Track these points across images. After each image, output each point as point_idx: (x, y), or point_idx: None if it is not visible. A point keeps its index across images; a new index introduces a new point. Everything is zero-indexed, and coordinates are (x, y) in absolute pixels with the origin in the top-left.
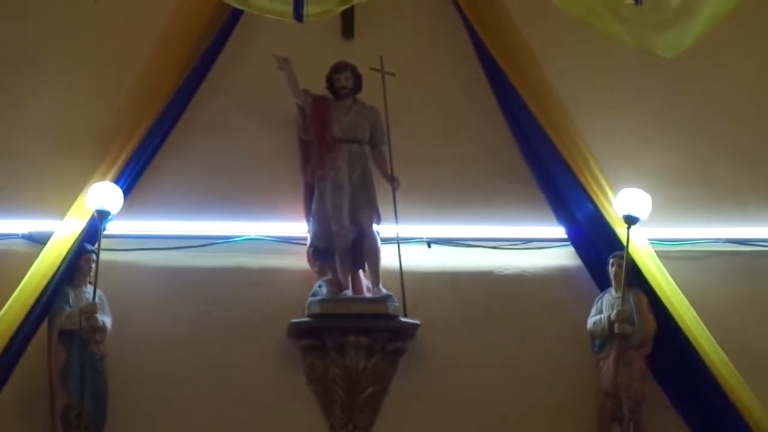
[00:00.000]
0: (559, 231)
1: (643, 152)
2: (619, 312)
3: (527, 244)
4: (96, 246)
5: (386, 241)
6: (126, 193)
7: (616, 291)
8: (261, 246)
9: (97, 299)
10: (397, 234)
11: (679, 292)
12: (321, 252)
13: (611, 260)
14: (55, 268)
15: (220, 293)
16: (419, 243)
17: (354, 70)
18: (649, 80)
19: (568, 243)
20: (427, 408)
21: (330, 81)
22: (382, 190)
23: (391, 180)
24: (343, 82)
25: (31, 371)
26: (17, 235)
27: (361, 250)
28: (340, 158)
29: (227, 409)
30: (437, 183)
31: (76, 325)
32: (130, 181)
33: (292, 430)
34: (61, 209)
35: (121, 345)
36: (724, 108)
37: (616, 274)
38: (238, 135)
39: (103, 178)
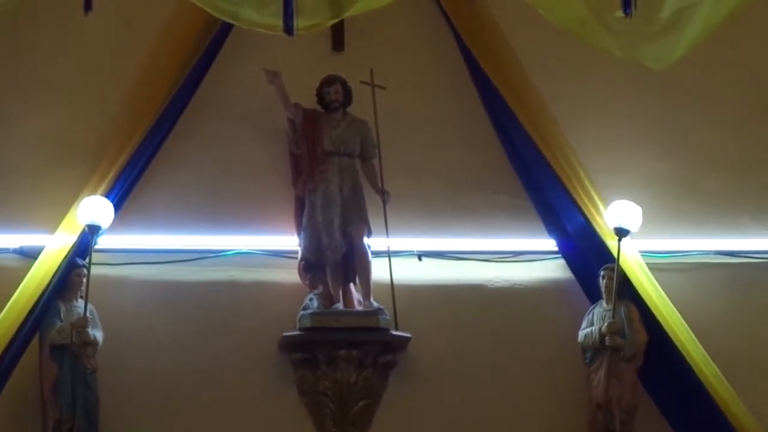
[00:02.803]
0: (550, 243)
1: (633, 164)
2: (610, 324)
3: (518, 256)
4: (87, 260)
5: (377, 254)
6: (117, 207)
7: (607, 303)
8: (252, 259)
9: (88, 314)
10: (388, 247)
11: (670, 304)
12: (312, 265)
13: (602, 272)
14: (46, 282)
15: (211, 307)
16: (410, 256)
17: (344, 84)
18: (640, 92)
19: (559, 255)
20: (418, 421)
21: (320, 94)
22: (372, 204)
23: (382, 193)
24: (333, 95)
25: (23, 386)
26: (8, 249)
27: (352, 264)
28: (330, 171)
29: (219, 422)
30: (428, 196)
31: (68, 340)
32: (121, 195)
33: None
34: (52, 223)
35: (113, 359)
36: (714, 120)
37: (607, 287)
38: (229, 149)
39: (93, 192)
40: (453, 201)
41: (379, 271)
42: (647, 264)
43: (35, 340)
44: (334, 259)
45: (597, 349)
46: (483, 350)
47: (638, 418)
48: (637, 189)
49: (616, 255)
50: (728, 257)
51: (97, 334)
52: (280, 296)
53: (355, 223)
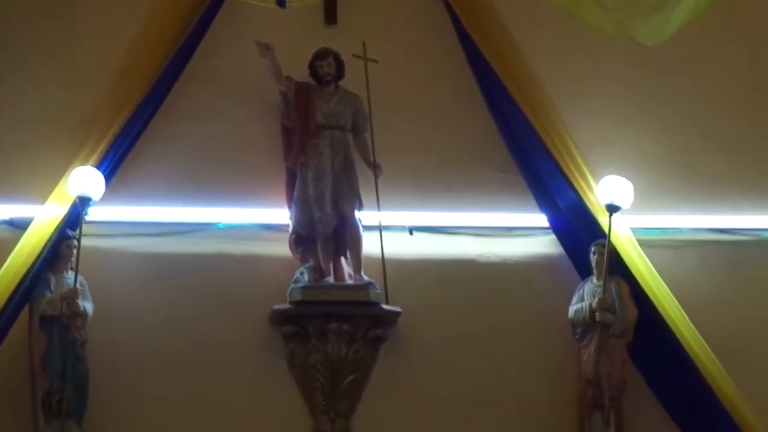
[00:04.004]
0: (542, 219)
1: (625, 141)
2: (600, 300)
3: (509, 232)
4: (77, 232)
5: (368, 228)
6: (108, 179)
7: (598, 279)
8: (243, 232)
9: (78, 285)
10: (379, 221)
11: (661, 280)
12: (303, 239)
13: (593, 248)
14: (36, 253)
15: (201, 280)
16: (401, 230)
17: (337, 57)
18: (632, 69)
19: (550, 231)
20: (408, 395)
21: (312, 68)
22: (364, 177)
23: (374, 167)
24: (326, 68)
25: (12, 357)
26: None
27: (343, 237)
28: (322, 145)
29: (208, 395)
30: (419, 170)
31: (57, 311)
32: (111, 167)
33: (274, 417)
34: (42, 195)
35: (103, 331)
36: (707, 97)
37: (597, 263)
38: (221, 121)
39: (84, 163)
40: (445, 176)
41: (370, 245)
42: (638, 240)
43: (25, 311)
44: (325, 233)
45: (587, 324)
46: (473, 325)
47: (628, 393)
48: (629, 165)
49: (607, 231)
50: (719, 234)
51: (87, 305)
52: (271, 269)
53: (347, 196)
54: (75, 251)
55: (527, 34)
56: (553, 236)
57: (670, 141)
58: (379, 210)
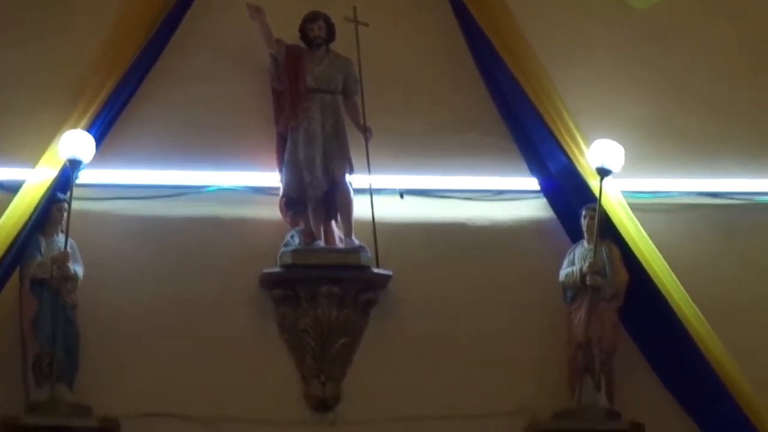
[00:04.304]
0: (532, 182)
1: (616, 104)
2: (591, 264)
3: (500, 195)
4: (68, 195)
5: (359, 191)
6: (98, 142)
7: (589, 243)
8: (233, 195)
9: (68, 248)
10: (370, 184)
11: (652, 244)
12: (293, 202)
13: (584, 212)
14: (26, 216)
15: (192, 243)
16: (392, 194)
17: (327, 20)
18: (623, 33)
19: (541, 194)
20: (398, 358)
21: (303, 31)
22: (354, 141)
23: (364, 130)
24: (317, 31)
25: (2, 320)
26: None
27: (334, 201)
28: (312, 108)
29: (199, 359)
30: (410, 134)
31: (48, 274)
32: (102, 130)
33: (265, 381)
34: (32, 157)
35: (93, 294)
36: (698, 61)
37: (588, 226)
38: (211, 84)
39: (75, 126)
40: (435, 139)
41: (360, 208)
42: (629, 204)
43: (15, 274)
44: (316, 196)
45: (578, 288)
46: (464, 289)
47: (618, 357)
48: (620, 129)
49: (598, 195)
50: (710, 198)
51: (78, 268)
52: (261, 233)
53: (337, 160)
54: (65, 214)
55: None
56: (544, 200)
57: (662, 105)
58: (369, 173)
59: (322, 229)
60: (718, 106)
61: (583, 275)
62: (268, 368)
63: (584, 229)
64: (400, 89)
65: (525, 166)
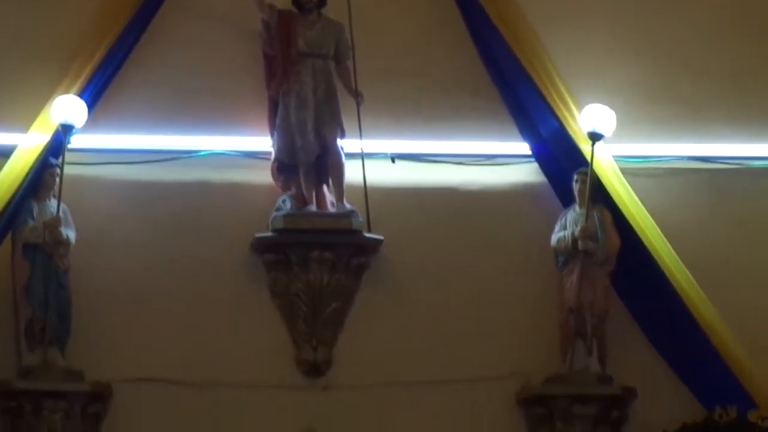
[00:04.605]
0: (524, 147)
1: (608, 68)
2: (583, 228)
3: (491, 159)
4: (60, 160)
5: (350, 156)
6: (90, 106)
7: (580, 207)
8: (225, 160)
9: (60, 213)
10: (362, 149)
11: (643, 208)
12: (285, 167)
13: (575, 176)
14: (19, 181)
15: (183, 207)
16: (383, 158)
17: None
18: None
19: (533, 159)
20: (390, 323)
21: None
22: (346, 105)
23: (356, 95)
24: None
25: None
26: None
27: (326, 165)
28: (304, 73)
29: (191, 323)
30: (402, 98)
31: (40, 239)
32: (94, 94)
33: (256, 345)
34: (25, 122)
35: (85, 258)
36: (690, 24)
37: (580, 191)
38: (203, 49)
39: (67, 91)
40: (427, 103)
41: (352, 173)
42: (621, 168)
43: (8, 239)
44: (308, 161)
45: (570, 253)
46: (456, 253)
47: (610, 322)
48: (612, 93)
49: (589, 159)
50: (702, 162)
51: (70, 233)
52: (253, 197)
53: (329, 124)
54: (57, 179)
55: None
56: (536, 164)
57: (653, 69)
58: (361, 138)
59: (313, 193)
60: (710, 71)
61: (574, 240)
62: (260, 333)
63: (576, 193)
64: (392, 54)
65: (516, 130)
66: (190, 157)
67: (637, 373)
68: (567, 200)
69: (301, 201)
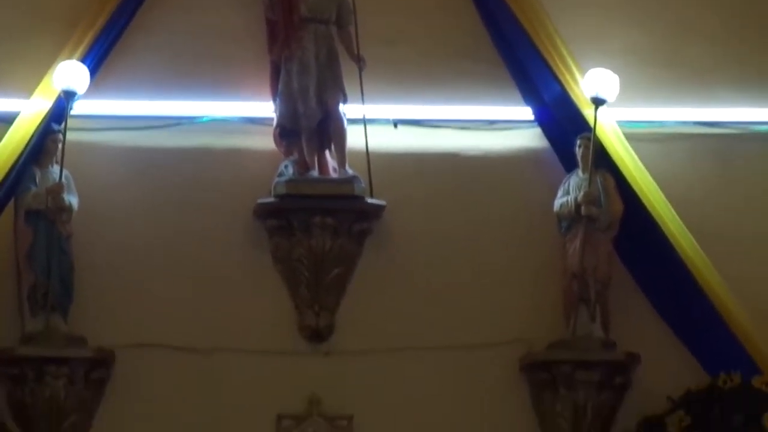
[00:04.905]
0: (527, 112)
1: (611, 33)
2: (586, 194)
3: (494, 125)
4: (62, 126)
5: (352, 121)
6: (93, 72)
7: (583, 172)
8: (227, 126)
9: (63, 179)
10: (364, 114)
11: (647, 173)
12: (287, 132)
13: (578, 141)
14: (21, 148)
15: (186, 173)
16: (386, 123)
17: None
18: None
19: (536, 124)
20: (392, 289)
21: None
22: (348, 71)
23: (358, 60)
24: None
25: None
26: None
27: (328, 131)
28: (306, 38)
29: (193, 289)
30: (404, 63)
31: (43, 205)
32: (96, 60)
33: (258, 311)
34: (27, 89)
35: (87, 225)
36: None
37: (583, 156)
38: (205, 14)
39: (69, 57)
40: (429, 68)
41: (354, 138)
42: (624, 133)
43: (10, 206)
44: (310, 126)
45: (573, 218)
46: (458, 219)
47: (613, 287)
48: (615, 57)
49: (592, 124)
50: (706, 127)
51: (72, 199)
52: (255, 163)
53: (331, 90)
54: (60, 145)
55: None
56: (539, 129)
57: (657, 33)
58: (363, 103)
59: (315, 159)
60: (714, 34)
61: (577, 205)
62: (262, 299)
63: (579, 158)
64: (394, 18)
65: (519, 95)
66: (192, 123)
67: (641, 338)
68: (570, 165)
69: (303, 166)
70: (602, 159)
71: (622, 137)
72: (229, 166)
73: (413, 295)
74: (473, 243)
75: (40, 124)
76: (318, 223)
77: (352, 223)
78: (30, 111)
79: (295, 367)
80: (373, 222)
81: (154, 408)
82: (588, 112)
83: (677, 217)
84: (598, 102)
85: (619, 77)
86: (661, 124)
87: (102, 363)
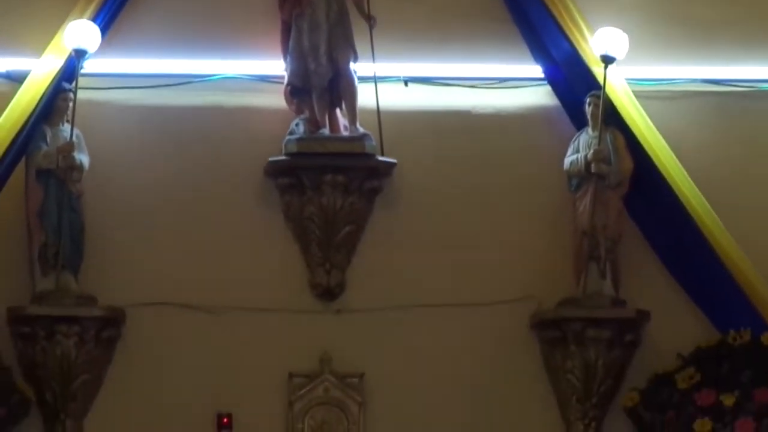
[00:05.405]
0: (536, 70)
1: None
2: (595, 151)
3: (504, 83)
4: (73, 85)
5: (363, 79)
6: (103, 31)
7: (593, 130)
8: (238, 84)
9: (74, 138)
10: (374, 72)
11: (656, 131)
12: (298, 90)
13: (588, 99)
14: (32, 107)
15: (196, 132)
16: (396, 81)
17: None
18: None
19: (545, 82)
20: (403, 246)
21: None
22: (359, 29)
23: (368, 18)
24: None
25: (8, 211)
26: None
27: (338, 89)
28: None
29: (204, 247)
30: (414, 21)
31: (54, 164)
32: (107, 19)
33: (269, 269)
34: (38, 48)
35: (98, 183)
36: None
37: (592, 114)
38: None
39: (80, 15)
40: (440, 26)
41: (365, 96)
42: (633, 91)
43: (21, 165)
44: (320, 85)
45: (582, 176)
46: (468, 176)
47: (623, 245)
48: (624, 15)
49: (602, 82)
50: (715, 85)
51: (83, 158)
52: (266, 121)
53: (341, 48)
54: (71, 104)
55: None
56: (548, 87)
57: None
58: (374, 61)
59: (326, 117)
60: None
61: (587, 163)
62: (273, 257)
63: (589, 116)
64: None
65: (529, 53)
66: (203, 81)
67: (651, 296)
68: (580, 123)
69: (314, 125)
70: (612, 117)
71: (632, 95)
72: (240, 124)
73: (424, 253)
74: (483, 201)
75: (50, 83)
76: (329, 181)
77: (362, 181)
78: (41, 70)
79: (306, 325)
80: (383, 180)
81: (164, 366)
82: (597, 70)
83: (686, 174)
84: (607, 60)
85: (629, 35)
86: (670, 81)
87: (113, 322)
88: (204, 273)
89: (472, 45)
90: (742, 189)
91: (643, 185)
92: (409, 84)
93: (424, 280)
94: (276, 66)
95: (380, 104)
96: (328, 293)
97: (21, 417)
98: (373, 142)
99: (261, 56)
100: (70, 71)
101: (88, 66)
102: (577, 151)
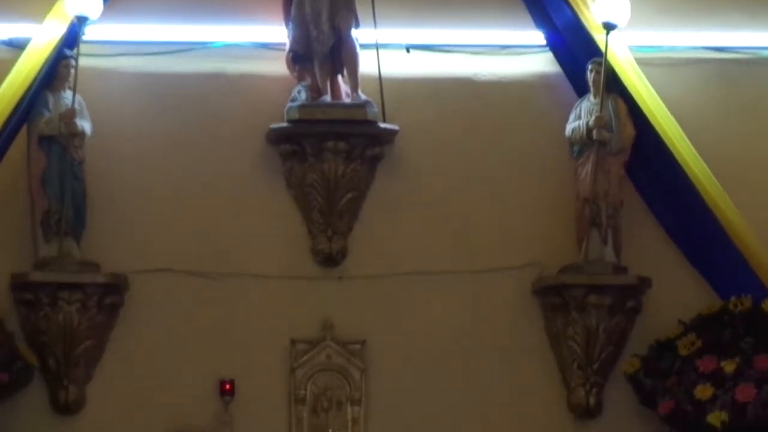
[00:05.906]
0: (538, 36)
1: None
2: (597, 118)
3: (506, 49)
4: (75, 51)
5: (365, 46)
6: None
7: (595, 97)
8: (240, 51)
9: (76, 105)
10: (376, 39)
11: (658, 98)
12: (300, 57)
13: (590, 66)
14: (34, 73)
15: (198, 99)
16: (398, 48)
17: None
18: None
19: (547, 48)
20: (404, 214)
21: None
22: None
23: None
24: None
25: (11, 178)
26: None
27: (340, 56)
28: None
29: (206, 214)
30: None
31: (56, 131)
32: None
33: (271, 235)
34: (40, 14)
35: (100, 150)
36: None
37: (594, 80)
38: None
39: None
40: None
41: (366, 63)
42: (635, 58)
43: (23, 131)
44: (322, 51)
45: (584, 143)
46: (470, 143)
47: (625, 212)
48: None
49: (603, 49)
50: (717, 52)
51: (85, 125)
52: (268, 88)
53: (343, 14)
54: (73, 71)
55: None
56: (550, 54)
57: None
58: (375, 28)
59: (328, 84)
60: None
61: (589, 129)
62: (275, 223)
63: (590, 83)
64: None
65: (531, 20)
66: (205, 48)
67: (652, 262)
68: (582, 90)
69: (315, 91)
70: (613, 84)
71: (633, 62)
72: (242, 91)
73: (426, 220)
74: (485, 167)
75: (53, 49)
76: (331, 147)
77: (364, 147)
78: (43, 37)
79: (308, 292)
80: (385, 147)
81: (167, 333)
82: (599, 36)
83: (688, 141)
84: (609, 27)
85: (630, 2)
86: (672, 48)
87: (115, 288)
88: (206, 240)
89: (474, 11)
90: (743, 155)
91: (644, 152)
92: (411, 51)
93: (426, 246)
94: (278, 33)
95: (382, 71)
96: (330, 260)
97: (24, 383)
98: (374, 109)
99: (263, 23)
100: (71, 38)
101: (90, 33)
102: (579, 118)
